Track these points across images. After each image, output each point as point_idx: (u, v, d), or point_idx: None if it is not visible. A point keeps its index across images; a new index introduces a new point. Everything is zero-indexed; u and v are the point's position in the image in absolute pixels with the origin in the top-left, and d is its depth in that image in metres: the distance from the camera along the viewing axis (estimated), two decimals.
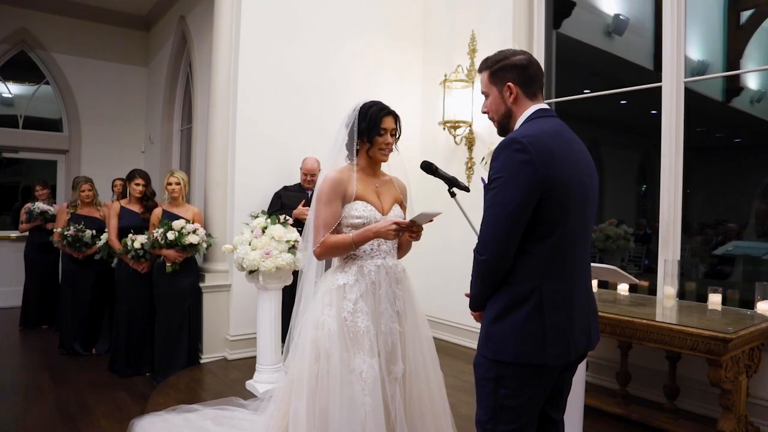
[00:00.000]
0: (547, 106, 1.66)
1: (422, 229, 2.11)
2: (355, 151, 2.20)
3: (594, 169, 1.67)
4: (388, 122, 2.16)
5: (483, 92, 1.73)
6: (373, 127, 2.14)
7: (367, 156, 2.20)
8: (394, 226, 2.02)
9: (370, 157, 2.20)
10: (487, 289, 1.58)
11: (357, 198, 2.14)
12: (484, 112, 1.75)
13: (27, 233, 5.68)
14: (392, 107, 2.22)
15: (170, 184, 4.11)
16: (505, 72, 1.65)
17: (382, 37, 5.16)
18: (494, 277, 1.55)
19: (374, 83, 5.06)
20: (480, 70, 1.73)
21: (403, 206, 2.31)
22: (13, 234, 6.62)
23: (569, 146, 1.58)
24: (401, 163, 2.31)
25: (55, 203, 6.15)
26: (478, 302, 1.63)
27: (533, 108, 1.63)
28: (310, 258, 2.22)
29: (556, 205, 1.49)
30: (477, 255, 1.55)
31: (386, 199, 2.24)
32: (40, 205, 5.60)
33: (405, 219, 2.24)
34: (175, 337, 4.02)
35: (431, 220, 2.03)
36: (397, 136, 2.22)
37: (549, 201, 1.48)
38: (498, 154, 1.53)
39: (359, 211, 2.13)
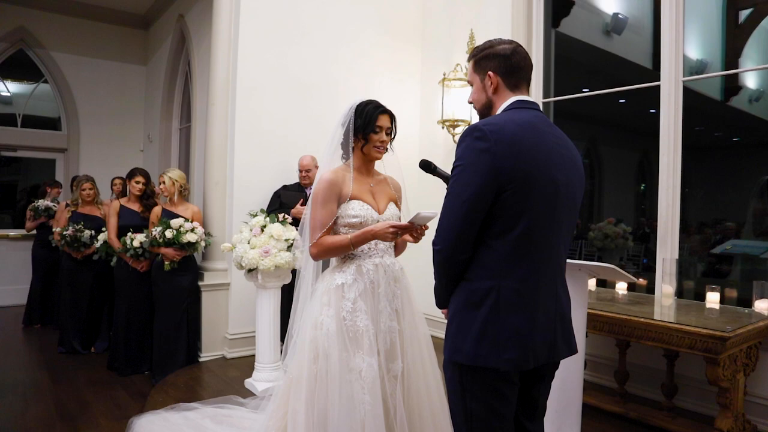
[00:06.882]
0: (528, 98, 1.59)
1: (427, 227, 2.07)
2: (350, 150, 2.20)
3: (577, 166, 1.58)
4: (383, 120, 2.17)
5: (468, 81, 1.70)
6: (368, 124, 2.14)
7: (362, 154, 2.21)
8: (392, 229, 2.01)
9: (365, 154, 2.20)
10: (444, 282, 1.53)
11: (352, 198, 2.15)
12: (469, 102, 1.70)
13: (35, 231, 5.69)
14: (391, 106, 2.23)
15: (159, 183, 4.15)
16: (487, 61, 1.60)
17: (381, 36, 5.16)
18: (451, 269, 1.50)
19: (373, 82, 5.06)
20: (468, 60, 1.71)
21: (398, 205, 2.31)
22: (12, 233, 6.62)
23: (542, 139, 1.48)
24: (396, 162, 2.32)
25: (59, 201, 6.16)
26: (438, 297, 1.59)
27: (512, 99, 1.57)
28: (307, 258, 2.22)
29: (518, 198, 1.41)
30: (433, 245, 1.50)
31: (381, 198, 2.24)
32: (43, 202, 5.63)
33: (400, 216, 2.26)
34: (174, 335, 4.02)
35: (429, 222, 2.02)
36: (393, 135, 2.23)
37: (509, 193, 1.40)
38: (460, 142, 1.48)
39: (356, 210, 2.14)
